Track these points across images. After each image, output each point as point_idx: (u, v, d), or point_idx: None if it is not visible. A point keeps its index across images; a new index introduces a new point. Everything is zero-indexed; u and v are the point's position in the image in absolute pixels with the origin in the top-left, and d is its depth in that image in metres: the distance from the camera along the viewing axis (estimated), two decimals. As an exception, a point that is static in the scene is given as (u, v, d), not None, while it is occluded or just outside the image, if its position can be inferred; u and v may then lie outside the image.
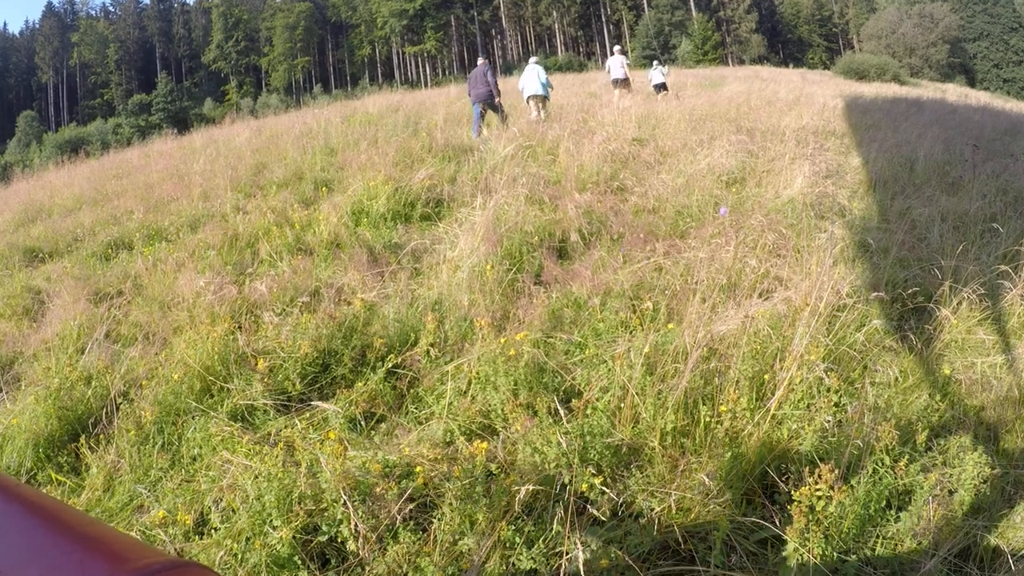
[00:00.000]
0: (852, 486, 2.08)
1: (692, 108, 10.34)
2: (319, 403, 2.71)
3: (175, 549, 2.21)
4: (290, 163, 8.54)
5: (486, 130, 9.69)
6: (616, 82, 13.82)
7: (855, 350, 3.02)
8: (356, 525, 2.05)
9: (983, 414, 2.70)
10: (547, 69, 11.53)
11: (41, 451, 2.96)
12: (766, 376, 2.62)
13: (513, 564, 1.97)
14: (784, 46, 71.19)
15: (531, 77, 10.74)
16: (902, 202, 5.46)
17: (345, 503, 2.08)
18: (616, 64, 13.87)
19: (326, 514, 2.15)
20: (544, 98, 10.76)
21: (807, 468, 2.11)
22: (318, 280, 4.40)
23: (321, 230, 5.48)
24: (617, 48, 14.43)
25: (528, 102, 10.85)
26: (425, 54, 70.55)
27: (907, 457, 2.35)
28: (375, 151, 7.70)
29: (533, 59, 11.36)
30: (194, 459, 2.75)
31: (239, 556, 2.08)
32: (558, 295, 3.78)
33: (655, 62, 15.86)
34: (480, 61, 10.34)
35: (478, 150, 7.50)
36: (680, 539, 2.06)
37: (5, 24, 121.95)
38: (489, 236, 4.31)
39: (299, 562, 2.04)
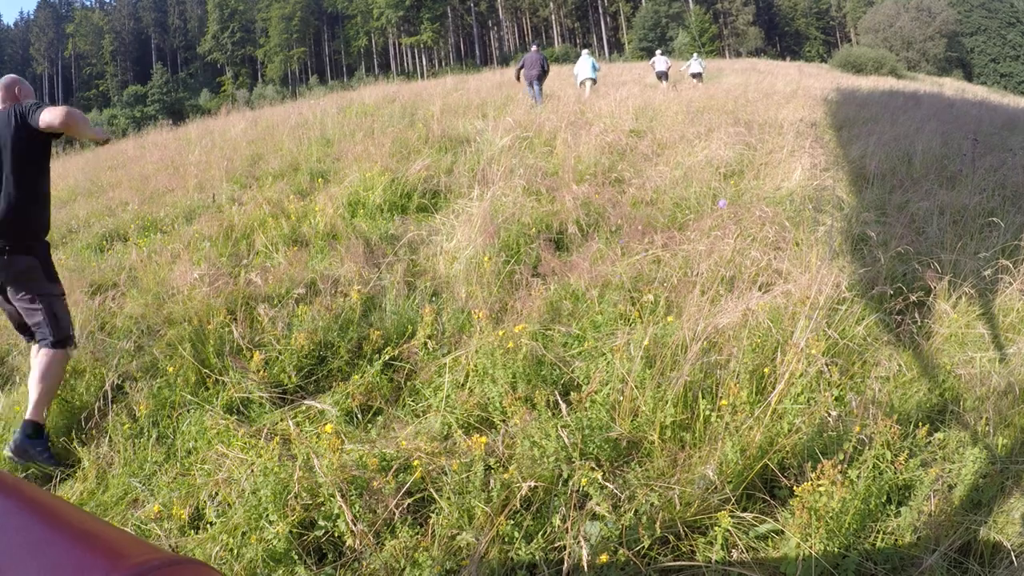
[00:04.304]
0: (852, 481, 2.07)
1: (690, 100, 10.30)
2: (312, 402, 2.68)
3: (170, 544, 2.18)
4: (286, 154, 8.48)
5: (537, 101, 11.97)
6: (660, 75, 18.08)
7: (855, 344, 3.01)
8: (353, 520, 2.03)
9: (982, 408, 2.69)
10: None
11: (34, 444, 2.92)
12: (766, 369, 2.61)
13: (512, 559, 1.95)
14: (781, 39, 71.05)
15: (585, 65, 14.08)
16: (900, 195, 5.43)
17: (342, 497, 2.06)
18: (661, 61, 18.47)
19: (323, 508, 2.13)
20: (594, 80, 14.02)
21: (808, 463, 2.10)
22: (314, 272, 4.37)
23: (317, 221, 5.43)
24: (659, 51, 19.79)
25: (582, 84, 13.98)
26: (421, 45, 70.11)
27: (907, 452, 2.34)
28: (371, 142, 7.65)
29: (585, 51, 14.84)
30: (189, 453, 2.72)
31: (235, 551, 2.06)
32: (556, 287, 3.75)
33: (695, 54, 20.41)
34: (534, 48, 12.82)
35: (475, 140, 7.45)
36: (680, 534, 2.05)
37: (0, 15, 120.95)
38: (486, 227, 4.27)
39: (295, 557, 2.02)
